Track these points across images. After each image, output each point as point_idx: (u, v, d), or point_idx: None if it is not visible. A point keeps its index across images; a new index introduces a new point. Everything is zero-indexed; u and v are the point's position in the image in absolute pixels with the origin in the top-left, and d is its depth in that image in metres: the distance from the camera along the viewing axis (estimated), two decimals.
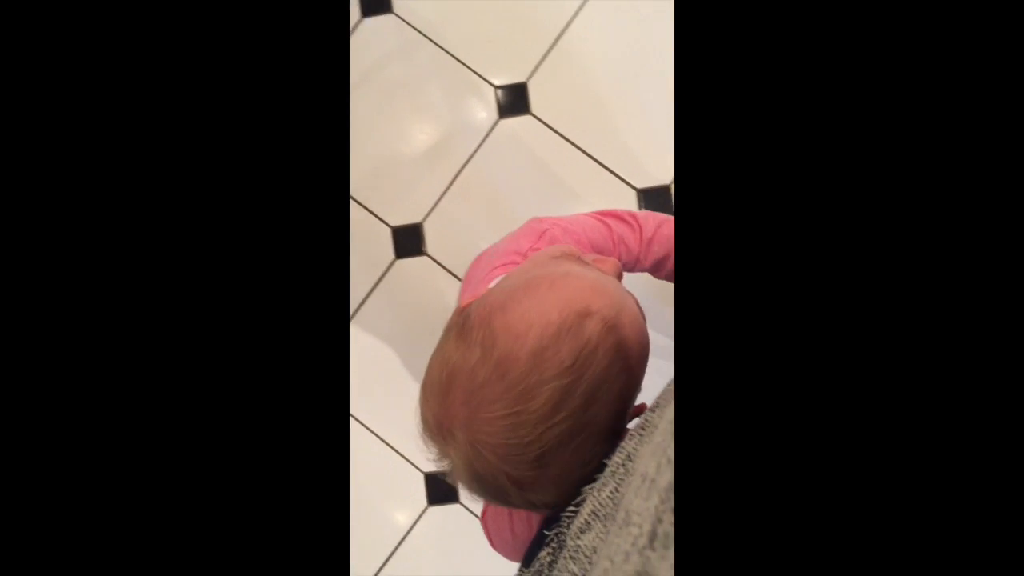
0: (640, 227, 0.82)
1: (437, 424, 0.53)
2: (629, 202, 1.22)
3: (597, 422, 0.50)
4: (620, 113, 1.23)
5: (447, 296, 1.25)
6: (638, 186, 1.22)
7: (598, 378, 0.50)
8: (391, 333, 1.27)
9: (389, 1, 1.29)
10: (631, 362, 0.52)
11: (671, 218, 0.85)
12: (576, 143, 1.24)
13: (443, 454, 0.54)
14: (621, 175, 1.23)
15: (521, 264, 0.64)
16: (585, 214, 0.82)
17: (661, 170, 1.22)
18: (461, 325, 0.54)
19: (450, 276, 1.26)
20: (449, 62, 1.27)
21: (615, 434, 0.53)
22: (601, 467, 0.51)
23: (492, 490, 0.52)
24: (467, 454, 0.51)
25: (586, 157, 1.24)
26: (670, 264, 0.84)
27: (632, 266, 0.83)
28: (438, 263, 1.25)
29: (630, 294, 0.56)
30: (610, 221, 0.81)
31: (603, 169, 1.23)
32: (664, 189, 1.22)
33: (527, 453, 0.49)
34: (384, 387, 1.26)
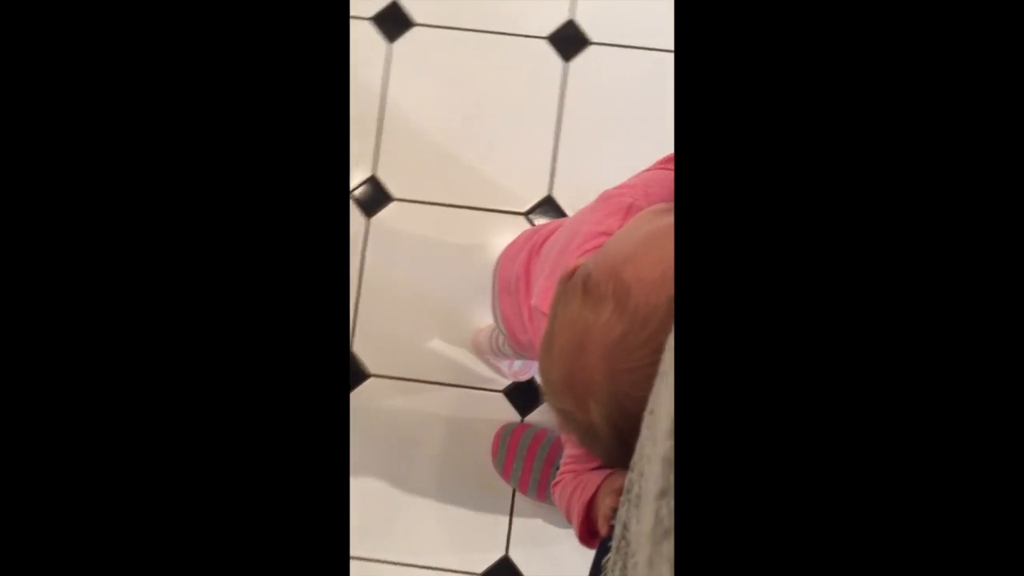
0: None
1: (570, 384, 0.50)
2: (521, 225, 1.24)
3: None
4: (469, 155, 1.25)
5: (406, 410, 1.23)
6: (523, 210, 1.25)
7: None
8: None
9: None
10: None
11: None
12: (449, 203, 1.25)
13: (572, 415, 0.51)
14: (504, 208, 1.25)
15: (625, 227, 0.60)
16: (650, 169, 0.77)
17: (533, 187, 1.25)
18: (583, 284, 0.51)
19: (403, 383, 1.23)
20: None
21: None
22: None
23: (632, 447, 0.48)
24: (609, 410, 0.48)
25: (465, 210, 1.25)
26: None
27: None
28: (387, 376, 1.23)
29: None
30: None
31: (486, 212, 1.25)
32: (547, 200, 1.24)
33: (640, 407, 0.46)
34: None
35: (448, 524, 1.20)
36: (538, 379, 0.64)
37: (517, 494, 1.19)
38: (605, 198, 0.73)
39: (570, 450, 0.74)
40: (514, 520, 1.19)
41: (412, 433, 1.22)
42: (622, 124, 1.26)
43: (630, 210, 0.68)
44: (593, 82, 1.27)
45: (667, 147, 1.17)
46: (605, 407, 0.49)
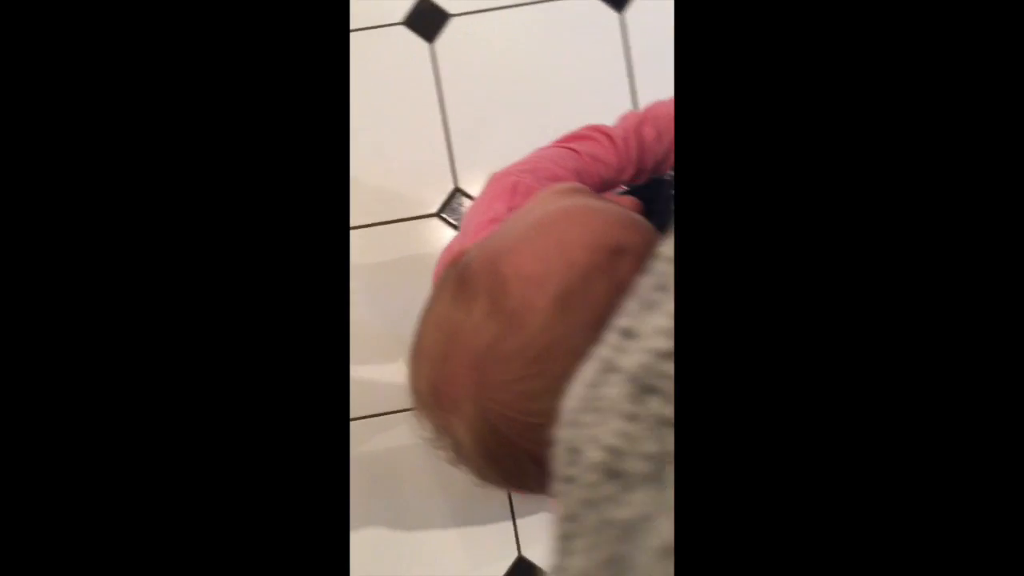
0: (609, 135, 0.68)
1: (435, 394, 0.42)
2: (437, 227, 1.18)
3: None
4: (358, 170, 1.17)
5: None
6: (434, 210, 1.18)
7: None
8: None
9: None
10: None
11: (652, 106, 0.70)
12: (356, 224, 1.17)
13: (442, 430, 0.43)
14: (415, 214, 1.18)
15: (517, 211, 0.50)
16: (544, 148, 0.69)
17: (437, 184, 1.18)
18: (458, 277, 0.43)
19: (365, 421, 1.18)
20: None
21: None
22: None
23: (507, 471, 0.42)
24: (477, 428, 0.40)
25: (376, 227, 1.18)
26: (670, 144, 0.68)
27: (617, 178, 0.68)
28: (353, 419, 1.17)
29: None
30: (574, 144, 0.67)
31: (397, 223, 1.18)
32: (455, 192, 1.18)
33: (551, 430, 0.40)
34: None
35: (455, 544, 1.17)
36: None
37: (513, 496, 1.16)
38: (491, 180, 0.65)
39: None
40: (518, 521, 1.16)
41: (390, 469, 1.17)
42: (508, 92, 1.19)
43: (515, 190, 0.60)
44: (465, 57, 1.19)
45: (558, 106, 1.13)
46: (471, 427, 0.41)
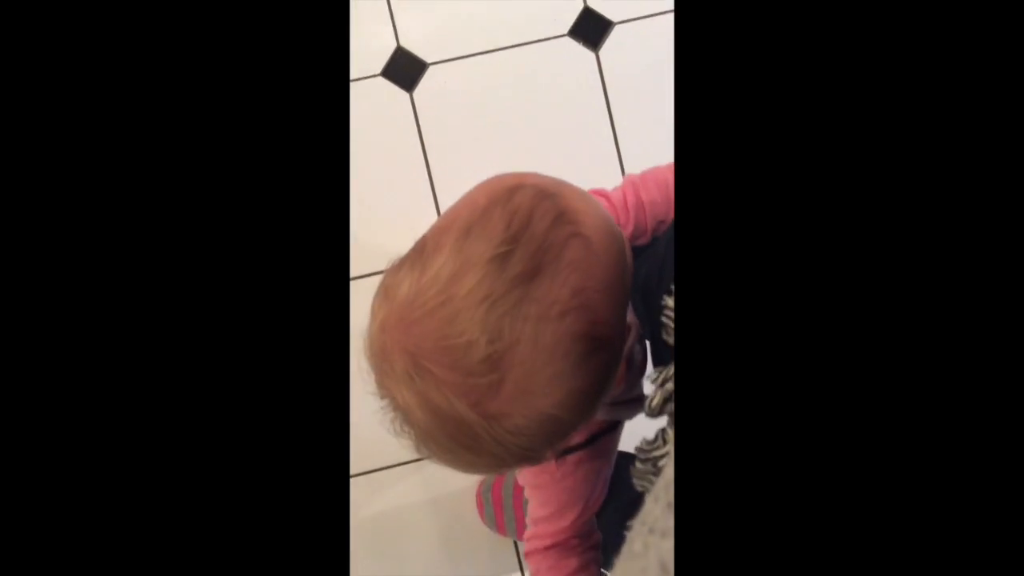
0: (606, 195, 0.69)
1: (373, 355, 0.45)
2: None
3: (554, 301, 0.41)
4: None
5: None
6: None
7: (539, 243, 0.42)
8: None
9: None
10: (585, 232, 0.43)
11: (651, 169, 0.71)
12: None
13: (389, 395, 0.45)
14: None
15: None
16: None
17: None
18: (395, 262, 0.47)
19: (365, 477, 1.15)
20: None
21: (598, 340, 0.43)
22: (596, 395, 0.43)
23: (454, 430, 0.42)
24: (411, 376, 0.42)
25: (368, 278, 1.16)
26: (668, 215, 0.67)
27: None
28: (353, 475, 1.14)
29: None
30: None
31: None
32: None
33: (474, 352, 0.40)
34: None
35: None
36: None
37: (520, 544, 1.13)
38: None
39: (535, 510, 0.68)
40: (525, 571, 1.13)
41: (395, 524, 1.14)
42: (491, 136, 1.19)
43: None
44: (445, 104, 1.20)
45: (541, 147, 1.13)
46: (405, 373, 0.42)
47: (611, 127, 1.17)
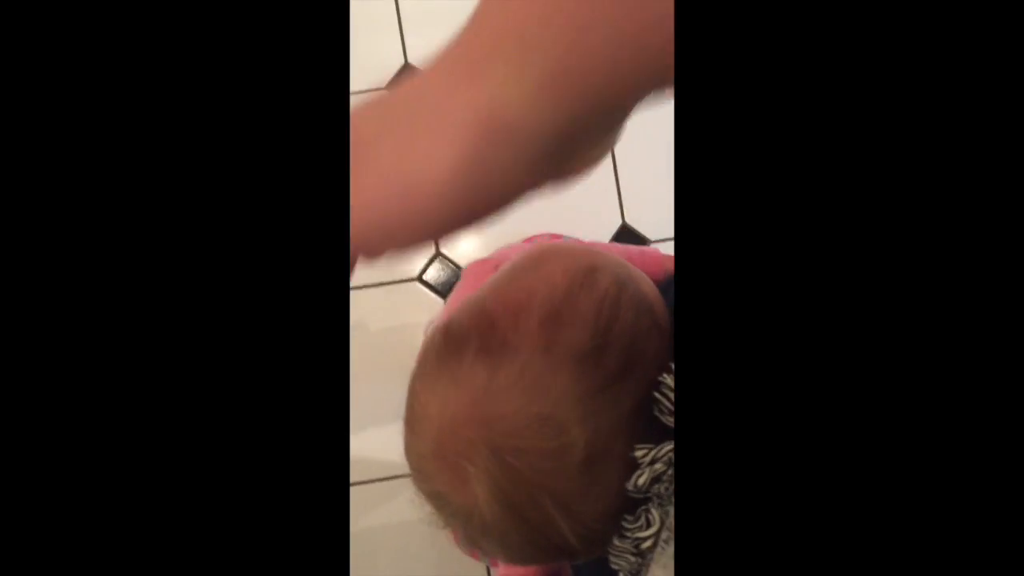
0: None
1: (439, 453, 0.39)
2: (414, 291, 1.16)
3: (641, 396, 0.39)
4: None
5: None
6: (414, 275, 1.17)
7: (628, 335, 0.39)
8: None
9: None
10: (659, 318, 0.41)
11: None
12: None
13: (452, 496, 0.40)
14: (396, 279, 1.17)
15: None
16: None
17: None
18: (443, 332, 0.41)
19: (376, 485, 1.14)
20: None
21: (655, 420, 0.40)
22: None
23: (530, 522, 0.38)
24: (491, 474, 0.37)
25: (361, 290, 1.16)
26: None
27: None
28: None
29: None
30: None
31: (381, 287, 1.16)
32: (436, 256, 1.17)
33: (571, 455, 0.37)
34: None
35: None
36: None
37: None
38: (468, 268, 0.65)
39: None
40: None
41: (405, 541, 1.12)
42: None
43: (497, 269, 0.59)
44: None
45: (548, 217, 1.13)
46: (485, 471, 0.38)
47: (612, 162, 1.17)
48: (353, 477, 1.13)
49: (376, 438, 1.11)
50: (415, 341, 0.59)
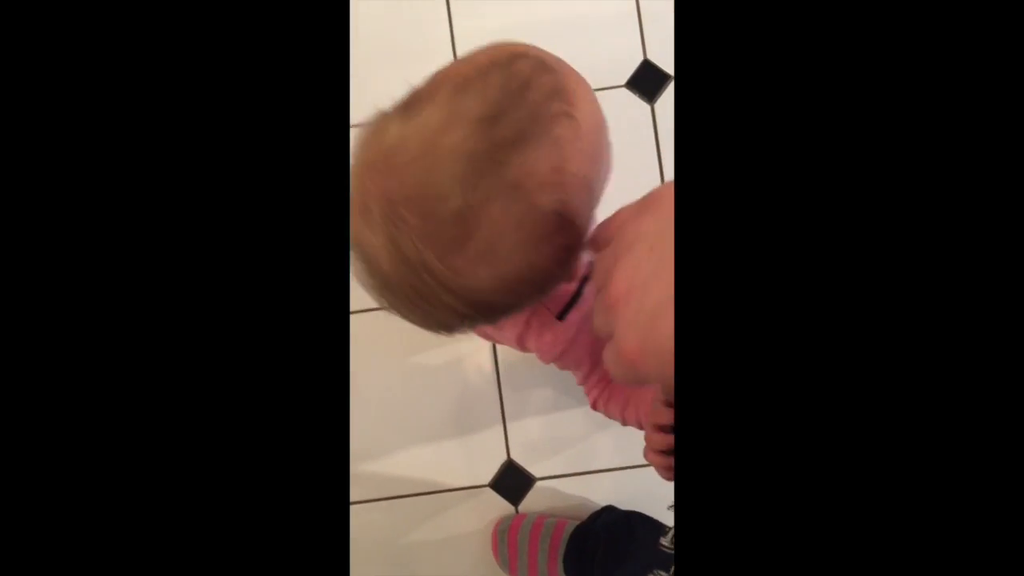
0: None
1: (355, 200, 0.44)
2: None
3: (532, 173, 0.42)
4: None
5: None
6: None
7: (530, 112, 0.42)
8: None
9: None
10: (577, 115, 0.44)
11: None
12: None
13: (361, 240, 0.44)
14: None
15: None
16: None
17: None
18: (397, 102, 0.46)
19: (376, 504, 1.14)
20: None
21: (565, 222, 0.43)
22: (552, 275, 0.43)
23: (416, 280, 0.43)
24: (386, 227, 0.42)
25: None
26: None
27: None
28: (362, 501, 1.14)
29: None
30: None
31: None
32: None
33: (447, 204, 0.41)
34: None
35: None
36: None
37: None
38: None
39: (577, 378, 0.69)
40: None
41: (403, 558, 1.12)
42: None
43: None
44: None
45: None
46: (382, 217, 0.42)
47: (660, 178, 1.17)
48: (396, 491, 1.13)
49: (421, 454, 1.12)
50: None
